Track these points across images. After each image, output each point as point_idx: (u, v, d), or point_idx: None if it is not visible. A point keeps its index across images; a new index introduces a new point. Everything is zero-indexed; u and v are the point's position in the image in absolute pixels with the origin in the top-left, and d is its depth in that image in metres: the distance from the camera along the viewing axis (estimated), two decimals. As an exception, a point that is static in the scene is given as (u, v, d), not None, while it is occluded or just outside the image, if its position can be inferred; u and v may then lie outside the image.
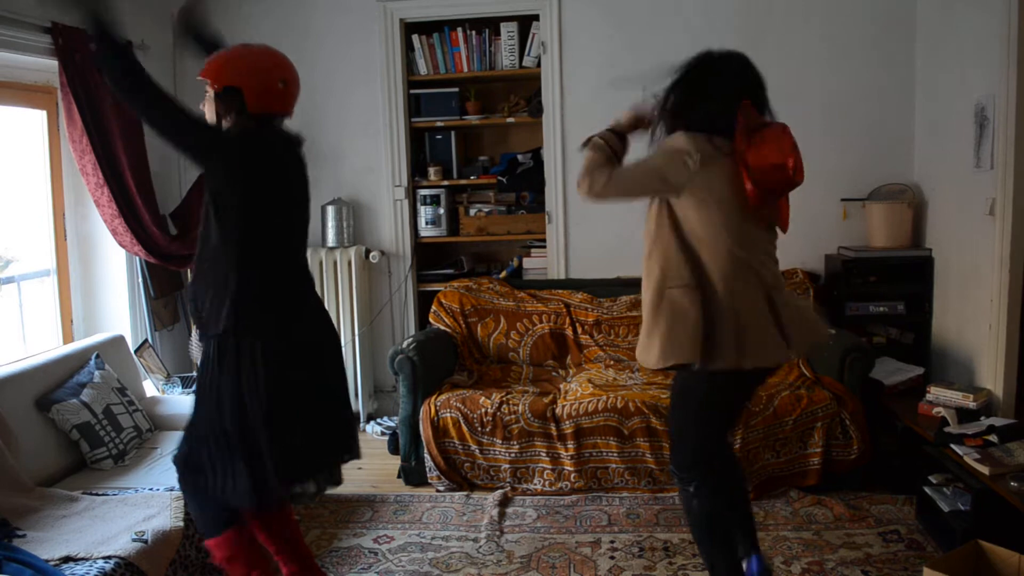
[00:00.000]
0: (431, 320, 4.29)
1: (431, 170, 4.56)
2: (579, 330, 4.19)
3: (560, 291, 4.31)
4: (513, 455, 3.53)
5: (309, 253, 4.37)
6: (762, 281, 2.30)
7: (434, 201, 4.55)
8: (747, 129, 2.25)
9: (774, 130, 2.31)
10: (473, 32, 4.40)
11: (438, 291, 4.38)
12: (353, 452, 2.44)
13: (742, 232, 2.28)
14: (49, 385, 3.04)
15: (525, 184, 4.55)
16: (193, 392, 2.36)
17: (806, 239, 4.25)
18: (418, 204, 4.59)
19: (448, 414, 3.57)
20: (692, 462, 2.43)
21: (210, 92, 2.23)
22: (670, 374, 3.83)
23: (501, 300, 4.28)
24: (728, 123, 2.25)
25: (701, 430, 2.43)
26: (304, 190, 2.38)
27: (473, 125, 4.61)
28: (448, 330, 4.20)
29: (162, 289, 4.23)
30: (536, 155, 4.57)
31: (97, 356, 3.30)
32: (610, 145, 2.38)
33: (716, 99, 2.28)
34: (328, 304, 4.41)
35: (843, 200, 4.20)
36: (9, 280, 3.57)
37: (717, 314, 2.25)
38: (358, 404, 4.52)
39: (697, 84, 2.31)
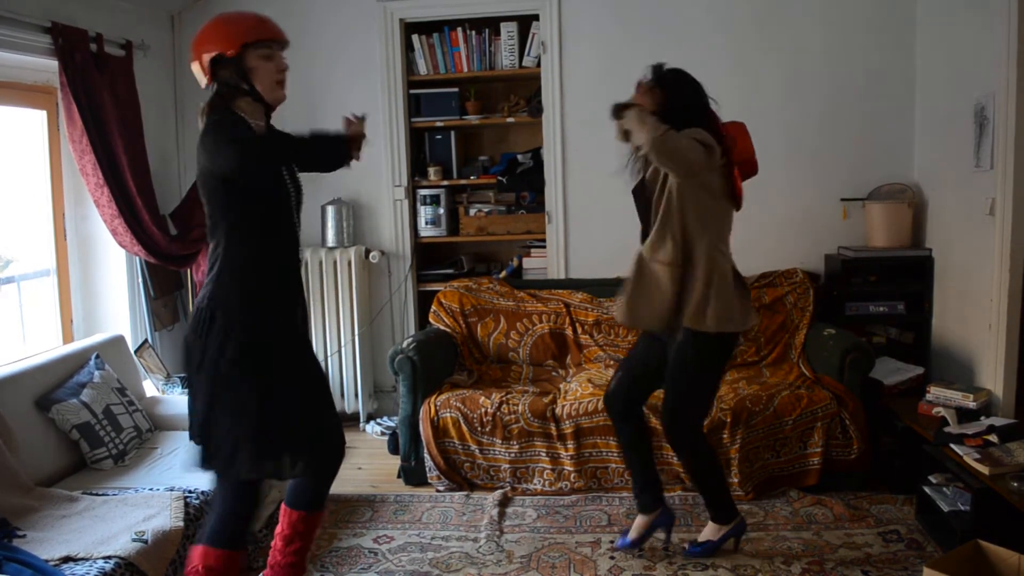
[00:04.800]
0: (431, 320, 4.28)
1: (431, 170, 4.56)
2: (579, 330, 4.19)
3: (560, 291, 4.31)
4: (513, 455, 3.53)
5: (309, 253, 4.40)
6: (730, 259, 2.74)
7: (434, 201, 4.55)
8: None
9: (740, 127, 2.70)
10: (473, 32, 4.40)
11: (438, 291, 4.37)
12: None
13: (727, 215, 2.72)
14: (49, 385, 3.04)
15: (525, 184, 4.55)
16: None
17: (806, 239, 4.26)
18: (418, 204, 4.59)
19: (448, 414, 3.57)
20: (691, 427, 2.81)
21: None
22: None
23: (501, 300, 4.27)
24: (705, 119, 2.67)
25: (701, 398, 2.82)
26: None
27: (473, 125, 4.61)
28: (448, 330, 4.20)
29: (162, 289, 4.23)
30: (536, 155, 4.57)
31: (97, 356, 3.29)
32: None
33: (701, 101, 2.69)
34: (328, 304, 4.41)
35: (843, 200, 4.20)
36: (9, 280, 3.57)
37: (725, 284, 2.67)
38: (358, 404, 4.53)
39: (688, 89, 2.69)
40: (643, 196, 2.76)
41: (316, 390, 2.40)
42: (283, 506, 2.45)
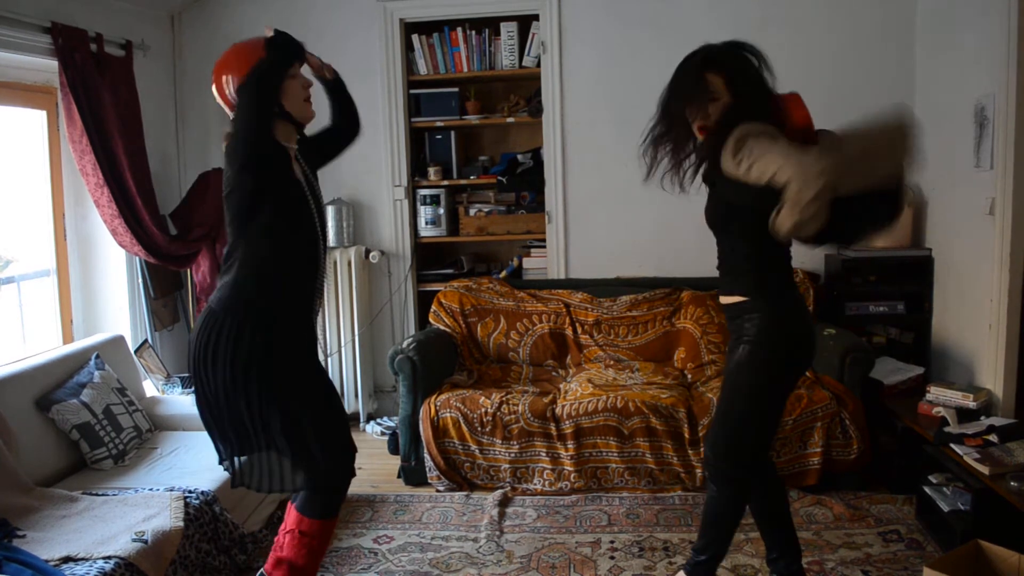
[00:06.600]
0: (431, 320, 4.29)
1: (431, 170, 4.56)
2: (579, 330, 4.19)
3: (560, 291, 4.31)
4: (513, 455, 3.53)
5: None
6: None
7: (434, 201, 4.55)
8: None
9: (793, 97, 2.32)
10: (473, 32, 4.40)
11: (438, 291, 4.38)
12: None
13: None
14: (49, 385, 3.04)
15: (525, 184, 4.55)
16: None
17: (806, 239, 4.25)
18: (418, 204, 4.59)
19: (448, 414, 3.57)
20: (751, 457, 2.35)
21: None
22: (670, 373, 3.86)
23: (501, 300, 4.28)
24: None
25: (767, 423, 2.37)
26: None
27: (473, 125, 4.61)
28: (448, 330, 4.20)
29: (162, 289, 4.23)
30: (536, 155, 4.57)
31: (97, 356, 3.29)
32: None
33: (765, 85, 2.29)
34: (328, 304, 4.42)
35: (843, 200, 4.20)
36: (9, 280, 3.57)
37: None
38: (358, 404, 4.53)
39: (752, 76, 2.29)
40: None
41: (325, 407, 2.38)
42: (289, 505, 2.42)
